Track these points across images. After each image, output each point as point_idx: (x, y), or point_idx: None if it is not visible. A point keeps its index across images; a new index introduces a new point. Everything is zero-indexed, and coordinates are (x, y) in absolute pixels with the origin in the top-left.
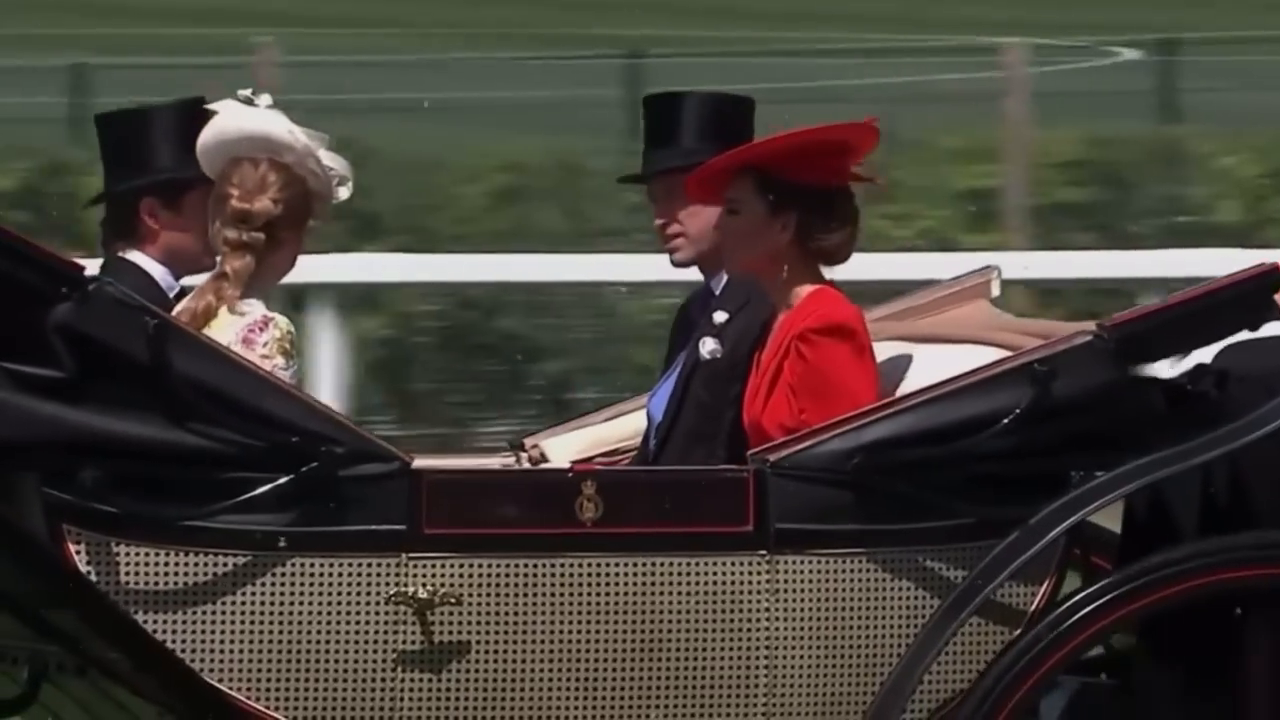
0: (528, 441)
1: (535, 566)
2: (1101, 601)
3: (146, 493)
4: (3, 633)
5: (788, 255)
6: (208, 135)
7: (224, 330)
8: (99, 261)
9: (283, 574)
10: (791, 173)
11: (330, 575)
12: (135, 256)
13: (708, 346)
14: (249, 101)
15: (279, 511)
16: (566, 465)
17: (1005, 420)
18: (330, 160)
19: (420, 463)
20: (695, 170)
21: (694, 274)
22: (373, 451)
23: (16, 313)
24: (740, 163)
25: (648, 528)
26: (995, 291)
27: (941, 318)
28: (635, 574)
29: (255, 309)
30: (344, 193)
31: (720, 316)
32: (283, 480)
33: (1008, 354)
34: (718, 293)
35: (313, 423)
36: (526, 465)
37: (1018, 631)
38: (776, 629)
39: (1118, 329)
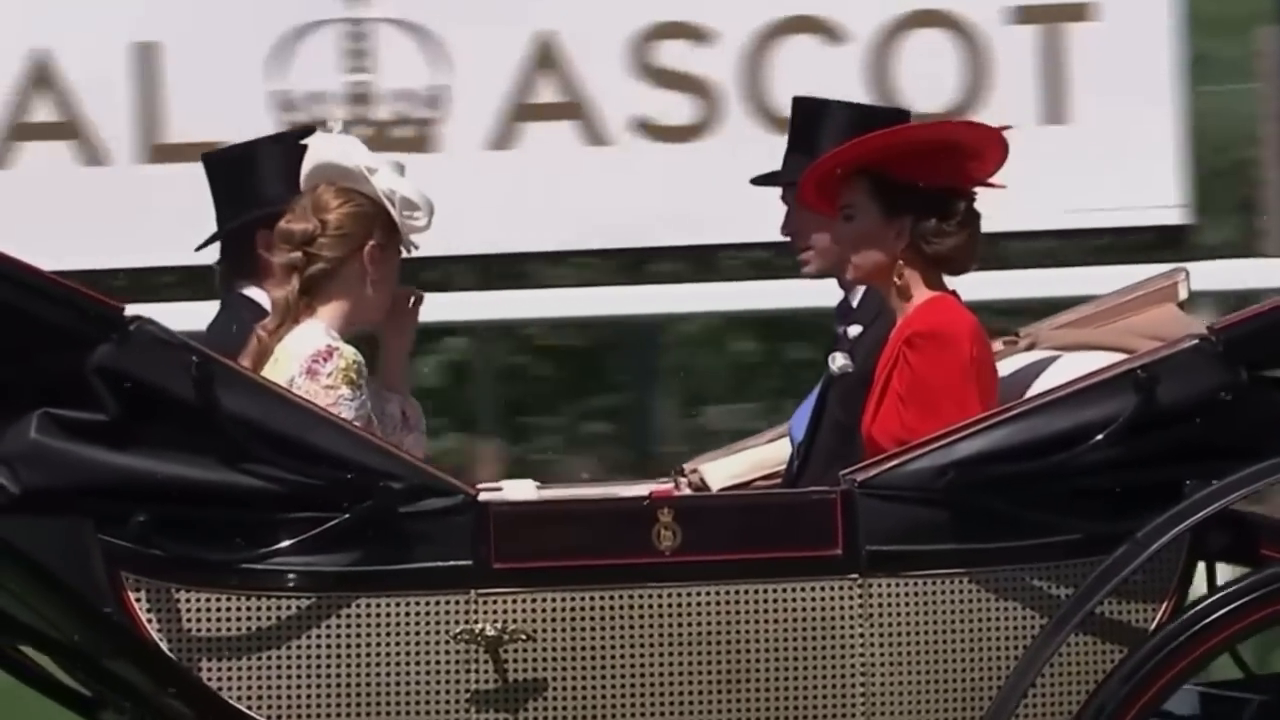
0: (687, 466)
1: (611, 599)
2: (1231, 608)
3: (203, 536)
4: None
5: (904, 262)
6: (303, 168)
7: (289, 361)
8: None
9: (347, 615)
10: (905, 174)
11: (397, 615)
12: (253, 292)
13: (838, 362)
14: (328, 130)
15: (340, 551)
16: (643, 493)
17: (1107, 431)
18: (402, 186)
19: (487, 495)
20: (806, 172)
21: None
22: (435, 485)
23: (57, 356)
24: (849, 162)
25: (729, 554)
26: (1183, 295)
27: (1126, 323)
28: (718, 603)
29: (318, 338)
30: (419, 221)
31: (854, 330)
32: (341, 519)
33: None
34: (855, 305)
35: (369, 458)
36: (687, 490)
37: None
38: (872, 655)
39: (1226, 332)
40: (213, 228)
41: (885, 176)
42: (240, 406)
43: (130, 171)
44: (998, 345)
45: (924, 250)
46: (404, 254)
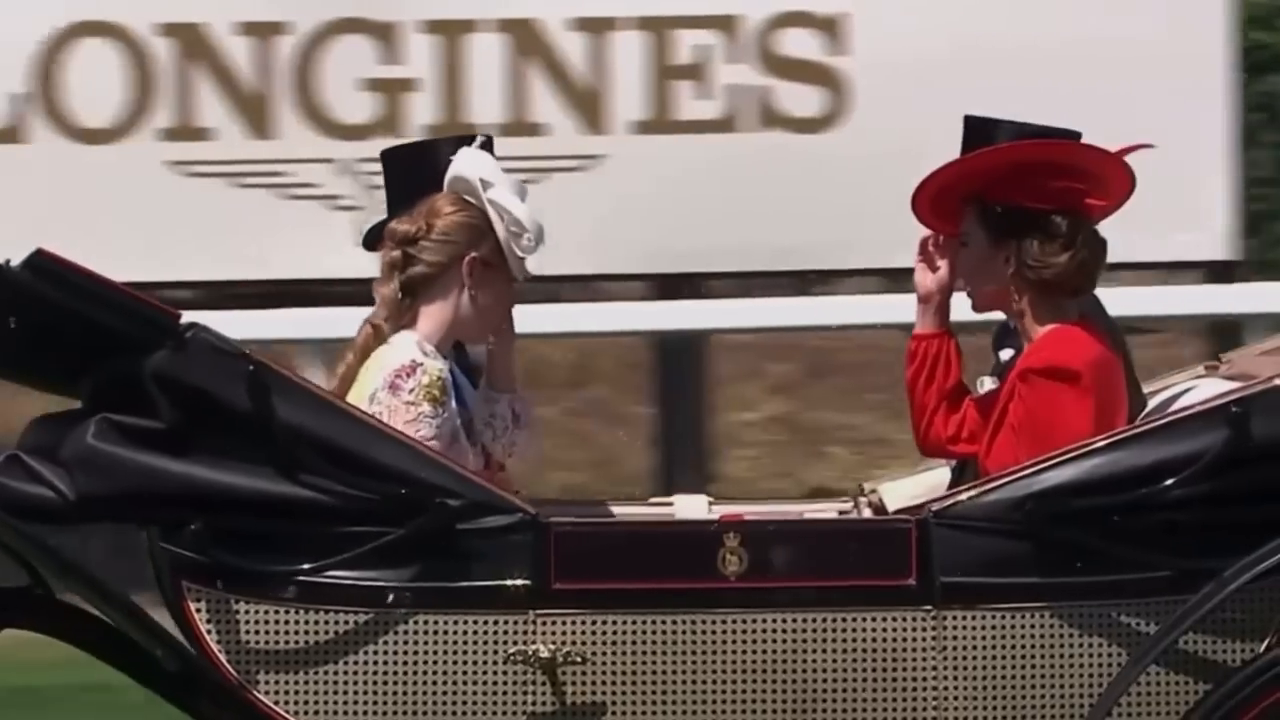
0: (866, 486)
1: (673, 623)
2: None
3: (261, 547)
4: None
5: (1017, 288)
6: (446, 176)
7: (376, 373)
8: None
9: (404, 632)
10: (1011, 197)
11: (453, 633)
12: None
13: (985, 386)
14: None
15: (398, 567)
16: (710, 515)
17: (1196, 466)
18: (516, 206)
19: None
20: (915, 190)
21: None
22: (494, 503)
23: (115, 361)
24: (948, 183)
25: (797, 581)
26: None
27: None
28: (784, 631)
29: (405, 352)
30: (525, 242)
31: (1005, 354)
32: (399, 534)
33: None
34: (1011, 328)
35: (428, 473)
36: (867, 512)
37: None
38: (944, 689)
39: None
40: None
41: (990, 201)
42: (295, 416)
43: None
44: (1199, 369)
45: (1027, 275)
46: (516, 280)
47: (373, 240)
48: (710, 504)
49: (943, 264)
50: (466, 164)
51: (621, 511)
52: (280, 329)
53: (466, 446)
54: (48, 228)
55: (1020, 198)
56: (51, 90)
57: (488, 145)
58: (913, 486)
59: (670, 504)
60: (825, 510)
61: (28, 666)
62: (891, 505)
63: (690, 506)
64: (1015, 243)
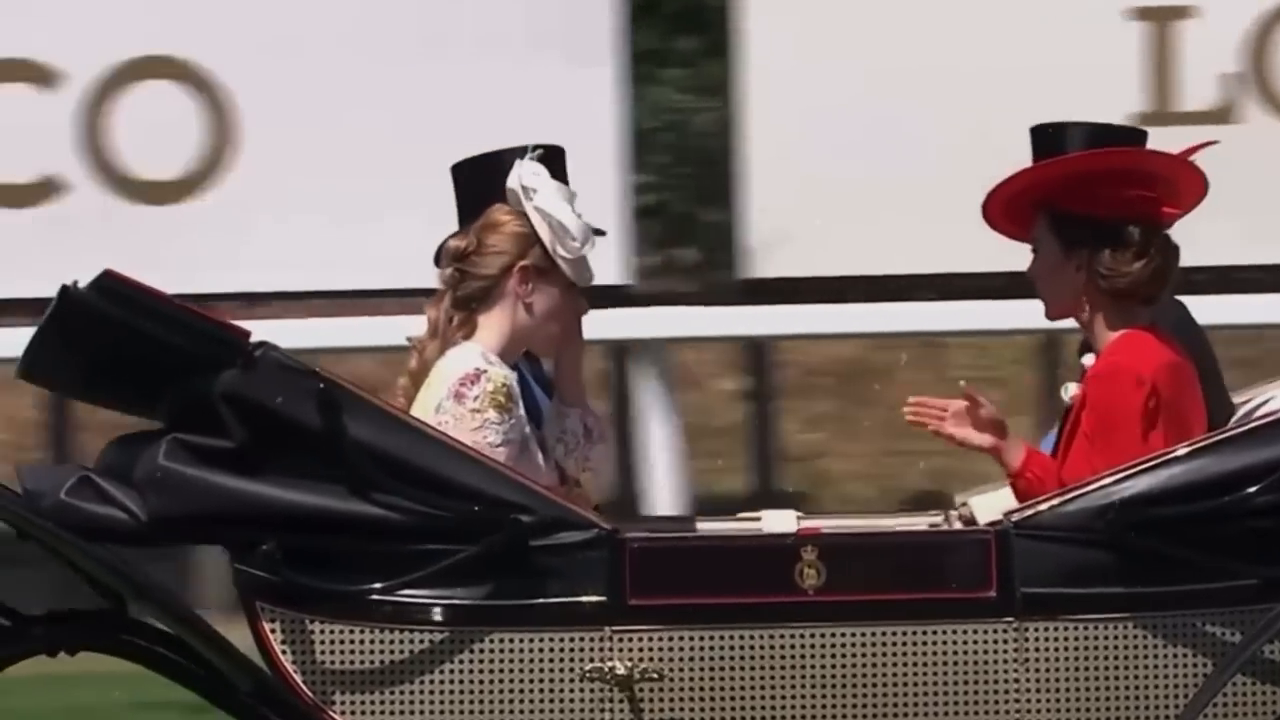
0: (958, 499)
1: (751, 639)
2: None
3: (334, 566)
4: None
5: (1089, 296)
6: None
7: (440, 384)
8: None
9: (479, 650)
10: (1082, 205)
11: (529, 651)
12: None
13: (1069, 392)
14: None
15: (472, 585)
16: (787, 529)
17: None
18: (562, 211)
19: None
20: (986, 197)
21: None
22: (569, 519)
23: (184, 382)
24: (1017, 191)
25: (876, 595)
26: None
27: None
28: (863, 645)
29: (469, 360)
30: (572, 248)
31: (1088, 360)
32: (473, 552)
33: None
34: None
35: (501, 489)
36: (958, 525)
37: None
38: (1027, 702)
39: None
40: None
41: (1061, 209)
42: (366, 434)
43: None
44: None
45: (1099, 284)
46: (577, 284)
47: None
48: (799, 518)
49: (985, 408)
50: (514, 175)
51: (704, 527)
52: None
53: (538, 456)
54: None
55: (1091, 208)
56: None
57: (545, 156)
58: (1003, 499)
59: (758, 519)
60: (917, 523)
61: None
62: (982, 518)
63: (778, 521)
64: (1087, 252)
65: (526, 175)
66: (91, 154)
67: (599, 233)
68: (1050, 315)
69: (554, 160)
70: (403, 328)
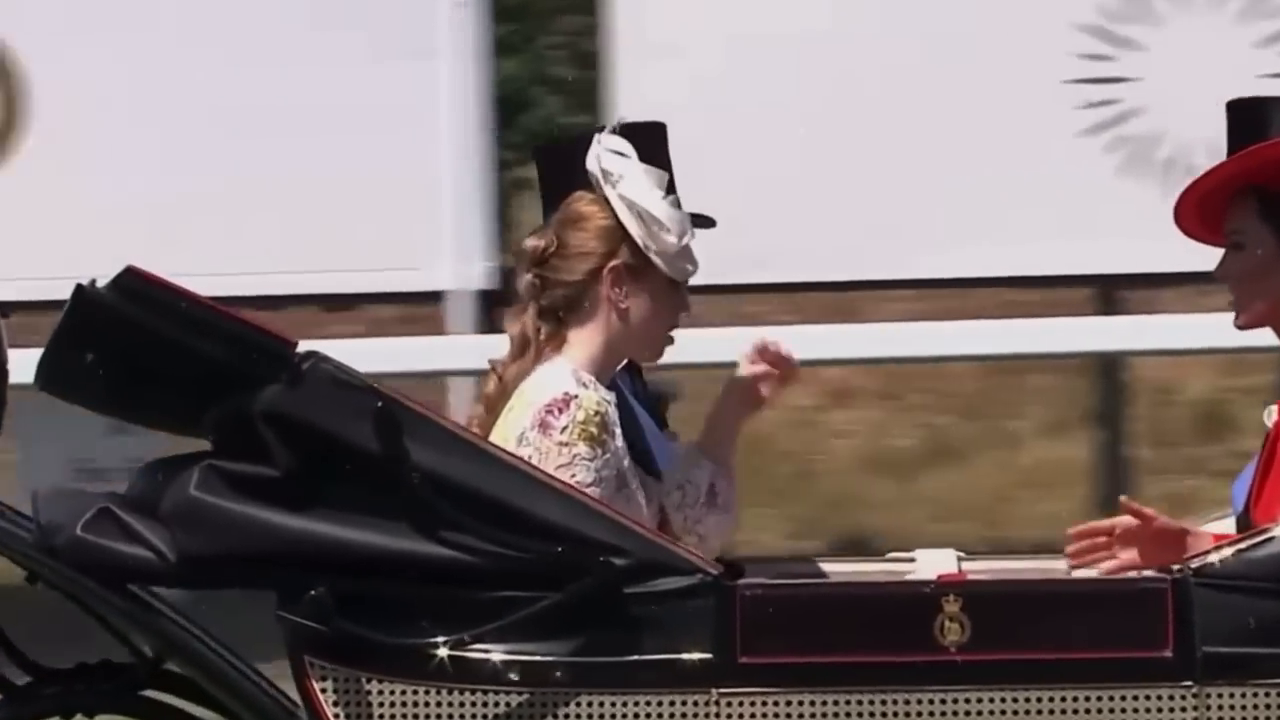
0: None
1: (882, 704)
2: None
3: (395, 616)
4: None
5: None
6: None
7: (524, 411)
8: None
9: (564, 715)
10: None
11: (622, 716)
12: None
13: (1273, 416)
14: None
15: (556, 639)
16: (929, 576)
17: None
18: (651, 199)
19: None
20: (1183, 192)
21: None
22: (669, 562)
23: (220, 399)
24: (1231, 179)
25: (1029, 654)
26: None
27: None
28: (1014, 713)
29: (558, 383)
30: (665, 238)
31: None
32: (556, 600)
33: None
34: None
35: (589, 527)
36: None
37: None
38: None
39: None
40: None
41: (1274, 193)
42: (432, 460)
43: None
44: None
45: None
46: (677, 281)
47: None
48: (960, 559)
49: (1157, 520)
50: (592, 153)
51: (838, 570)
52: None
53: (638, 495)
54: None
55: None
56: None
57: (635, 131)
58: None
59: (912, 559)
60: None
61: None
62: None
63: (934, 563)
64: None
65: (606, 156)
66: None
67: (702, 221)
68: (1244, 324)
69: (649, 136)
70: None
